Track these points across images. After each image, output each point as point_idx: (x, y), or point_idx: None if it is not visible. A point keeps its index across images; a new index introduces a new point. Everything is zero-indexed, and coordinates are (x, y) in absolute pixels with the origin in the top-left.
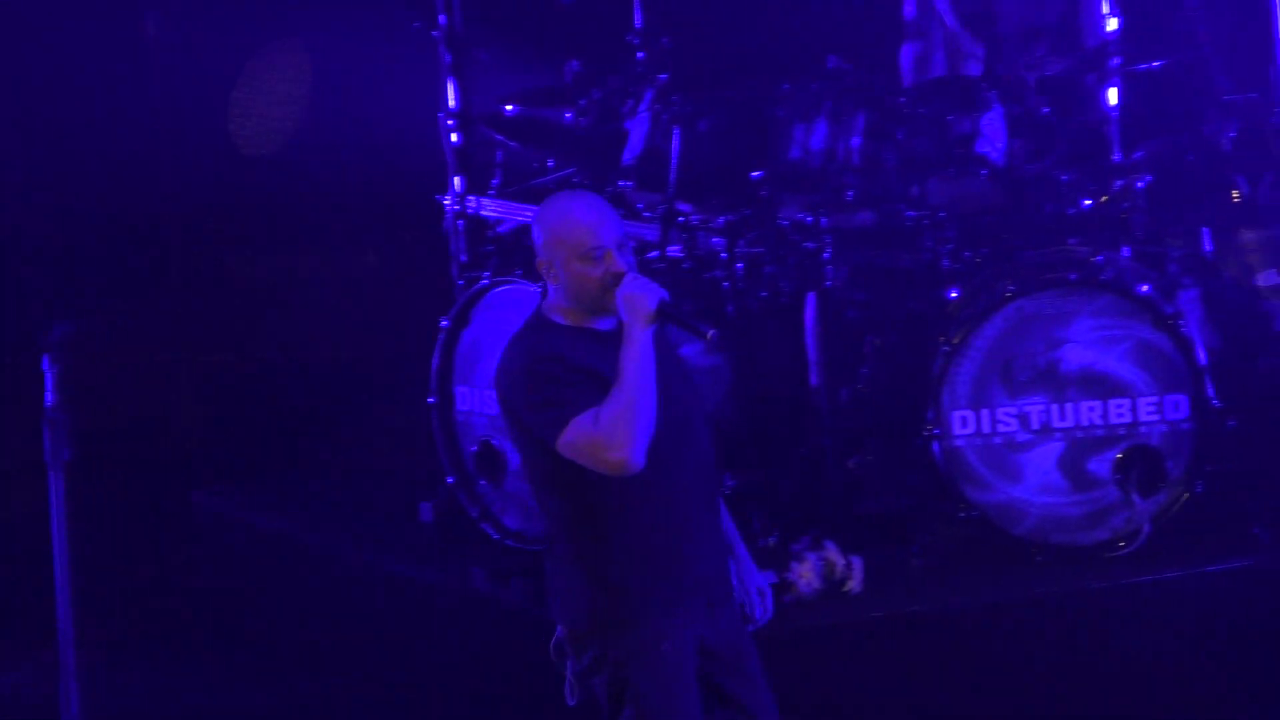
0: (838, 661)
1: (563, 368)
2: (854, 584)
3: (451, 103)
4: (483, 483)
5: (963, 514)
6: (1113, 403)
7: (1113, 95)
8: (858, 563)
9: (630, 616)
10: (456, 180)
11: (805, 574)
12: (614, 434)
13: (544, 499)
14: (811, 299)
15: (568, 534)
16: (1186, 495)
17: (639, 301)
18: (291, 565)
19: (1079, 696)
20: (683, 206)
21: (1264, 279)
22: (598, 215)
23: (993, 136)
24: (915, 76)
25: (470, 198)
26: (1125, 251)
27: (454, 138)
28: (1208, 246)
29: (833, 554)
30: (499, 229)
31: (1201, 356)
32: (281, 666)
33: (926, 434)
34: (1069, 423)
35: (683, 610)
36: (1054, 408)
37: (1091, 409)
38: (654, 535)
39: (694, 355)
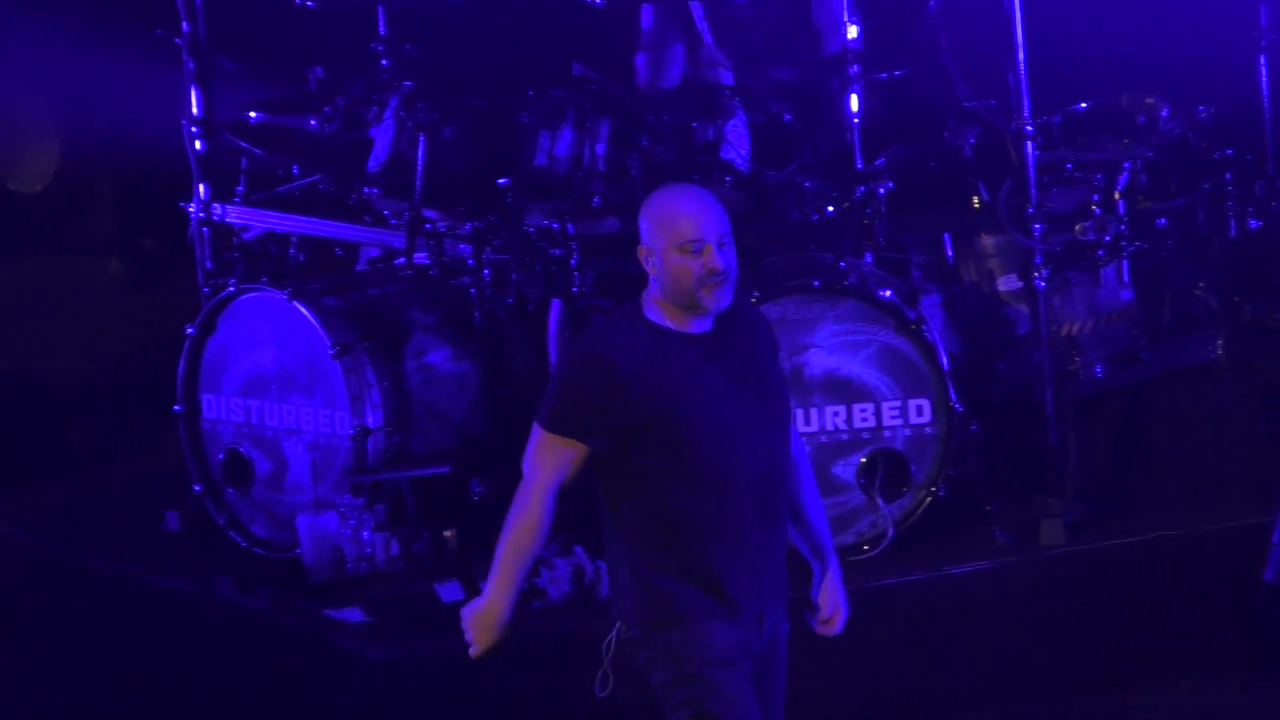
0: (586, 666)
1: (600, 383)
2: (602, 588)
3: (195, 110)
4: (230, 491)
5: None
6: (857, 407)
7: (854, 102)
8: (605, 568)
9: (674, 618)
10: (201, 187)
11: (555, 580)
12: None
13: (599, 496)
14: (556, 305)
15: (615, 536)
16: (929, 499)
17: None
18: (35, 573)
19: (822, 699)
20: (429, 213)
21: (1005, 283)
22: (701, 209)
23: (737, 143)
24: (651, 85)
25: (215, 205)
26: (868, 257)
27: (198, 145)
28: (949, 252)
29: (581, 560)
30: (244, 236)
31: (944, 361)
32: (23, 676)
33: None
34: (814, 427)
35: (729, 615)
36: (799, 413)
37: (836, 413)
38: (695, 544)
39: (441, 361)
